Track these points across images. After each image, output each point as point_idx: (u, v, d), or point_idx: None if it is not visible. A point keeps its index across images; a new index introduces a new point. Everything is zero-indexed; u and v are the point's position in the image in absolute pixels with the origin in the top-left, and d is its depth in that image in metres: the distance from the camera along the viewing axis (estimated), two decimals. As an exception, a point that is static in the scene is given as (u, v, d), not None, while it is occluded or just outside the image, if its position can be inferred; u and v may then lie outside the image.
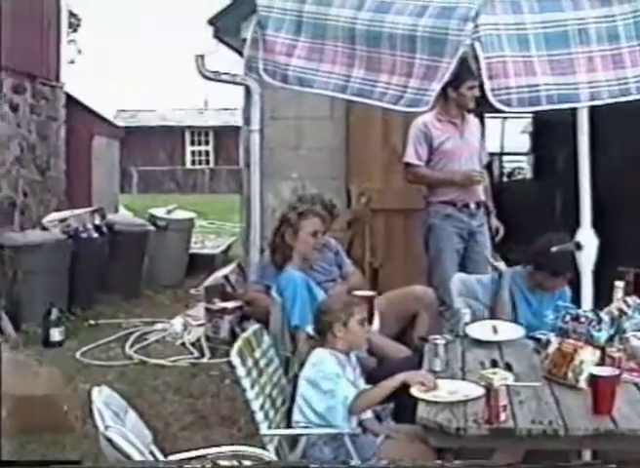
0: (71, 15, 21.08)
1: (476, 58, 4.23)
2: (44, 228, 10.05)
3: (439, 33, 4.14)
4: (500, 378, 4.02)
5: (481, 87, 6.35)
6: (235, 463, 2.90)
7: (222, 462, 2.91)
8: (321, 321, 4.75)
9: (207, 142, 40.90)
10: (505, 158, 15.26)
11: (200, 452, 4.02)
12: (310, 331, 5.05)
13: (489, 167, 7.46)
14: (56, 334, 8.56)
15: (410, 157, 6.87)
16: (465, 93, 6.67)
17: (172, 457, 3.89)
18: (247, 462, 3.88)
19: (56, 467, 3.22)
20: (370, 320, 5.18)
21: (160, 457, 3.53)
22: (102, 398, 3.56)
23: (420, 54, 4.21)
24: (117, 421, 3.46)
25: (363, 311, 4.80)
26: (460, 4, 4.15)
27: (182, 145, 40.74)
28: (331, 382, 4.49)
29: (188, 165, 40.45)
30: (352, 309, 4.75)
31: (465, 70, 5.79)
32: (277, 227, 6.19)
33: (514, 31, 4.15)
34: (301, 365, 4.80)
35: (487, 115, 7.30)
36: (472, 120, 7.05)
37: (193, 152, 40.86)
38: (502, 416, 3.88)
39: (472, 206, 6.90)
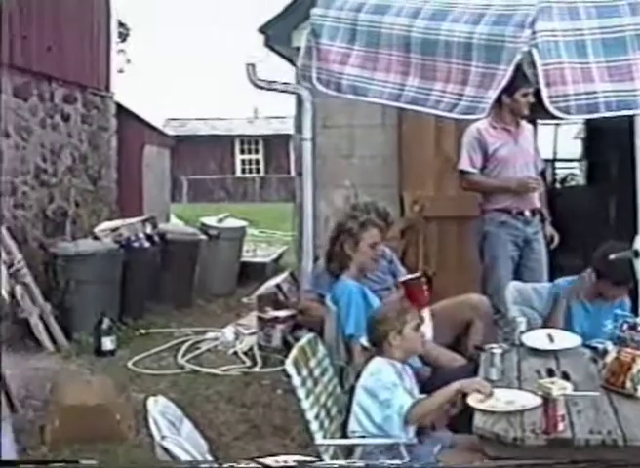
0: (120, 25, 21.25)
1: (532, 64, 4.20)
2: (96, 238, 10.09)
3: (496, 40, 4.11)
4: (559, 388, 3.97)
5: (534, 93, 6.36)
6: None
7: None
8: (376, 330, 4.73)
9: (257, 151, 41.03)
10: (558, 164, 15.12)
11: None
12: (364, 343, 5.03)
13: (543, 173, 7.40)
14: (107, 344, 8.59)
15: (464, 164, 6.85)
16: (520, 99, 6.63)
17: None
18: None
19: (55, 466, 3.20)
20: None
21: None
22: (158, 408, 3.57)
23: (477, 61, 4.18)
24: (173, 431, 3.46)
25: (416, 316, 4.78)
26: (516, 11, 4.11)
27: (232, 154, 40.91)
28: (388, 392, 4.47)
29: (238, 173, 40.60)
30: (406, 316, 4.73)
31: (520, 77, 5.75)
32: (335, 236, 6.13)
33: (572, 37, 4.10)
34: (357, 375, 4.77)
35: (539, 121, 7.22)
36: (526, 126, 7.00)
37: (243, 161, 41.01)
38: (560, 426, 3.84)
39: (527, 213, 6.86)
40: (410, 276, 5.93)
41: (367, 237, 5.98)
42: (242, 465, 2.42)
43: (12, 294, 8.75)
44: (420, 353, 4.93)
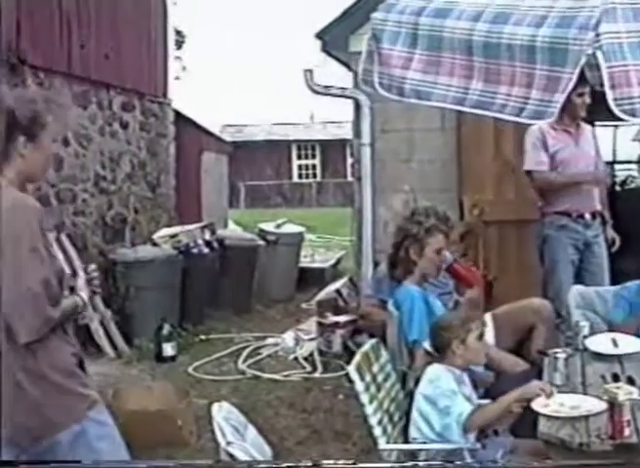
0: (176, 32, 21.43)
1: (592, 66, 4.17)
2: (155, 244, 10.16)
3: (559, 43, 4.08)
4: (625, 393, 3.91)
5: (591, 95, 6.31)
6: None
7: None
8: (440, 337, 4.72)
9: (314, 156, 41.14)
10: (617, 166, 14.96)
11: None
12: (428, 347, 5.01)
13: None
14: (168, 349, 8.63)
15: (532, 164, 6.79)
16: (575, 100, 6.55)
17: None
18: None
19: (55, 467, 3.17)
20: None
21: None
22: (223, 413, 3.59)
23: (541, 64, 4.15)
24: (237, 437, 3.48)
25: (480, 326, 4.77)
26: (580, 13, 4.08)
27: (289, 159, 41.05)
28: (447, 399, 4.46)
29: (295, 179, 40.75)
30: (470, 326, 4.71)
31: (584, 79, 5.72)
32: (400, 241, 6.09)
33: (636, 39, 4.05)
34: (417, 380, 4.76)
35: (598, 123, 7.16)
36: (587, 128, 6.95)
37: (300, 166, 41.14)
38: (627, 432, 3.79)
39: (587, 216, 6.80)
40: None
41: (433, 243, 5.93)
42: (302, 464, 2.41)
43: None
44: (480, 363, 4.88)
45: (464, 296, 6.25)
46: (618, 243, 7.10)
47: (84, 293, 3.59)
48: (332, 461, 2.23)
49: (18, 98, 3.44)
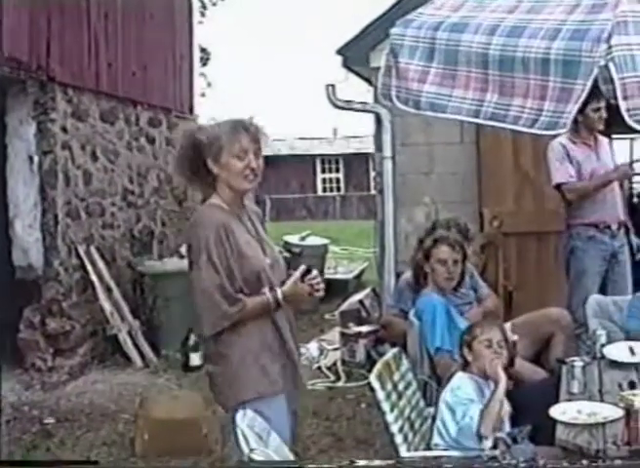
0: (201, 50, 21.57)
1: (607, 79, 4.23)
2: (182, 256, 10.20)
3: (573, 55, 4.15)
4: (641, 400, 3.97)
5: (607, 108, 6.36)
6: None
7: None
8: (460, 345, 4.80)
9: (337, 170, 41.23)
10: (635, 179, 14.94)
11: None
12: (455, 356, 5.06)
13: (621, 186, 7.37)
14: (195, 359, 8.68)
15: (561, 177, 6.78)
16: (591, 115, 6.61)
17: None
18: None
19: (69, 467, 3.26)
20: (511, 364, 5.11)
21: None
22: (246, 421, 3.63)
23: (554, 76, 4.22)
24: (261, 444, 3.50)
25: (490, 332, 4.79)
26: (592, 25, 4.15)
27: (314, 173, 41.15)
28: (464, 407, 4.51)
29: (319, 192, 40.82)
30: (475, 332, 4.78)
31: (590, 92, 5.76)
32: (415, 254, 6.22)
33: (648, 51, 4.12)
34: (440, 388, 4.82)
35: (615, 136, 7.20)
36: (604, 141, 6.98)
37: (324, 180, 41.25)
38: (643, 438, 3.84)
39: (614, 226, 6.83)
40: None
41: (435, 253, 5.99)
42: (325, 465, 2.49)
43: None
44: (489, 371, 4.73)
45: (483, 307, 6.30)
46: None
47: (281, 291, 4.06)
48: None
49: (203, 129, 4.11)
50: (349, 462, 2.44)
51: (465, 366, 4.76)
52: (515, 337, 5.30)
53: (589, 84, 4.17)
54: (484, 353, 4.70)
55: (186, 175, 4.14)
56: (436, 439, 4.64)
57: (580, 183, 6.79)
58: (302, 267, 4.18)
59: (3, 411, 6.95)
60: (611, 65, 4.08)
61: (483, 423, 4.42)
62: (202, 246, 3.91)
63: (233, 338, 4.00)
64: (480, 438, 4.44)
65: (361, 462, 2.46)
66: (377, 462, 2.48)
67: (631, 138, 10.65)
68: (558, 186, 6.87)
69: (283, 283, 4.12)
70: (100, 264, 9.21)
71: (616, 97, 4.15)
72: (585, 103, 6.22)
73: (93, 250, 9.21)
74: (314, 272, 4.22)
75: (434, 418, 4.76)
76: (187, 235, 4.12)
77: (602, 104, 6.37)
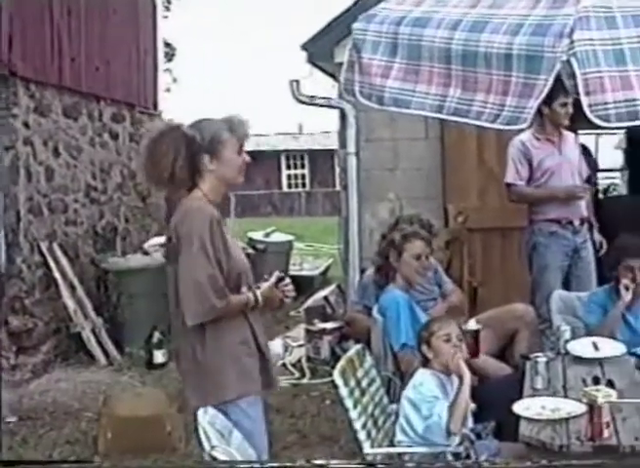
0: (166, 45, 21.46)
1: (572, 75, 4.24)
2: (145, 253, 10.17)
3: (535, 50, 4.15)
4: (604, 395, 3.96)
5: (574, 104, 6.37)
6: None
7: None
8: (418, 342, 4.79)
9: (302, 166, 41.21)
10: (600, 175, 15.04)
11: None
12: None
13: (589, 181, 7.39)
14: (159, 356, 8.67)
15: (511, 177, 6.83)
16: (558, 110, 6.62)
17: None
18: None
19: (65, 466, 3.24)
20: (476, 353, 5.13)
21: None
22: (208, 418, 3.61)
23: (517, 72, 4.22)
24: (222, 441, 3.50)
25: (448, 327, 4.79)
26: (555, 21, 4.16)
27: (278, 169, 41.08)
28: (429, 404, 4.51)
29: (285, 188, 40.78)
30: (432, 328, 4.77)
31: (558, 87, 5.78)
32: (381, 250, 6.16)
33: (610, 46, 4.13)
34: (403, 385, 4.81)
35: (580, 132, 7.21)
36: (570, 136, 6.99)
37: (289, 176, 41.21)
38: (606, 433, 3.85)
39: (576, 222, 6.84)
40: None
41: (410, 248, 5.98)
42: (288, 464, 2.47)
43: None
44: (452, 366, 4.73)
45: (448, 302, 6.30)
46: (605, 246, 7.16)
47: (259, 293, 4.08)
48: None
49: (194, 126, 4.09)
50: (306, 461, 2.42)
51: (426, 362, 4.74)
52: (479, 326, 5.31)
53: (551, 79, 4.17)
54: (444, 348, 4.69)
55: (163, 174, 4.05)
56: (399, 436, 4.63)
57: (527, 189, 6.84)
58: (277, 273, 4.24)
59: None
60: (573, 61, 4.10)
61: (452, 420, 4.43)
62: (195, 236, 3.91)
63: (213, 335, 3.99)
64: (449, 434, 4.44)
65: (320, 461, 2.43)
66: (335, 462, 2.45)
67: (597, 134, 10.71)
68: (508, 185, 6.91)
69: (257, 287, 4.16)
70: (64, 261, 9.13)
71: (578, 93, 4.16)
72: (553, 98, 6.29)
73: (55, 246, 9.13)
74: (287, 279, 4.26)
75: (397, 414, 4.74)
76: (176, 226, 4.02)
77: (569, 100, 6.38)
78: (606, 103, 4.10)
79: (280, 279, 4.20)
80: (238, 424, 3.91)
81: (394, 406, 4.96)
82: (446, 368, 4.69)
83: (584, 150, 7.39)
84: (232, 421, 3.89)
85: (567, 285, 6.73)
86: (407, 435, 4.58)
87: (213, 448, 3.35)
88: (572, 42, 4.08)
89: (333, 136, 27.69)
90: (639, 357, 4.97)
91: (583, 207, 6.91)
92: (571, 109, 6.55)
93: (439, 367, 4.69)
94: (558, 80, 5.13)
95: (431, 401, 4.52)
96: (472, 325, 5.36)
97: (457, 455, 4.46)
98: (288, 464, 2.72)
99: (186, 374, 4.13)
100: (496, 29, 4.31)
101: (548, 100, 6.38)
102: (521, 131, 6.46)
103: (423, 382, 4.62)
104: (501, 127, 4.39)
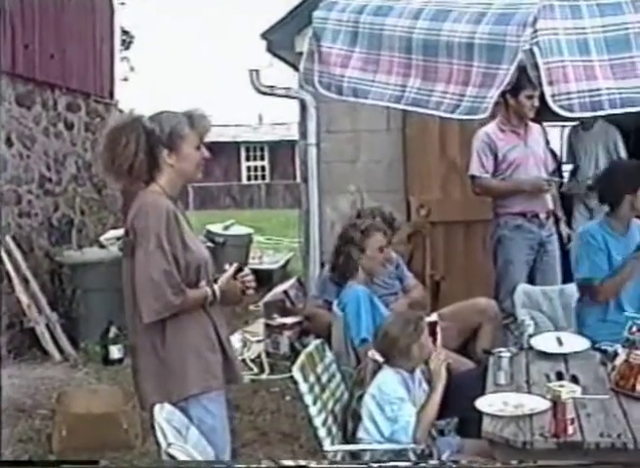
0: (124, 32, 21.27)
1: (536, 66, 4.18)
2: (102, 246, 10.06)
3: (497, 39, 4.11)
4: (568, 391, 3.93)
5: (540, 97, 6.33)
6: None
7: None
8: (394, 344, 4.62)
9: (262, 157, 41.18)
10: (565, 167, 15.10)
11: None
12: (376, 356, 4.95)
13: (555, 173, 7.36)
14: (115, 352, 8.56)
15: (475, 170, 6.80)
16: (524, 101, 6.58)
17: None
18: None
19: (66, 466, 3.19)
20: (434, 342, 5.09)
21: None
22: (164, 415, 3.55)
23: (478, 61, 4.18)
24: (179, 438, 3.44)
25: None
26: (518, 10, 4.12)
27: (238, 161, 40.98)
28: (395, 406, 4.46)
29: (244, 180, 40.71)
30: (422, 325, 4.71)
31: (524, 79, 5.73)
32: (339, 246, 6.03)
33: (574, 36, 4.10)
34: (362, 380, 4.73)
35: (545, 124, 7.19)
36: (536, 128, 6.96)
37: (249, 167, 41.17)
38: (570, 430, 3.82)
39: (542, 216, 6.82)
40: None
41: (372, 243, 5.90)
42: (254, 465, 2.41)
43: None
44: (433, 366, 4.68)
45: (409, 297, 6.24)
46: (572, 239, 7.16)
47: (217, 287, 4.05)
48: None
49: (154, 118, 4.02)
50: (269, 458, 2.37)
51: (394, 361, 4.65)
52: (436, 318, 5.26)
53: (513, 68, 4.14)
54: (427, 342, 4.68)
55: (122, 166, 3.99)
56: (362, 433, 4.55)
57: (492, 182, 6.82)
58: (235, 265, 4.21)
59: None
60: (536, 50, 4.07)
61: (419, 428, 4.40)
62: (151, 231, 3.88)
63: (173, 330, 3.96)
64: (415, 442, 4.40)
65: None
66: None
67: (562, 126, 10.72)
68: (472, 177, 6.88)
69: (215, 280, 4.13)
70: (17, 254, 8.99)
71: (542, 84, 4.11)
72: (519, 90, 6.26)
73: (9, 239, 8.98)
74: (246, 270, 4.25)
75: (355, 411, 4.66)
76: (132, 220, 3.97)
77: (536, 93, 6.32)
78: (569, 93, 4.06)
79: (239, 270, 4.17)
80: (200, 420, 3.90)
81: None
82: (421, 362, 4.64)
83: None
84: (194, 418, 3.87)
85: (531, 279, 6.72)
86: (369, 433, 4.52)
87: (169, 445, 3.29)
88: (535, 31, 4.05)
89: (293, 127, 27.69)
90: (603, 352, 4.91)
91: (549, 200, 6.89)
92: (537, 102, 6.50)
93: (417, 363, 4.64)
94: (524, 72, 5.10)
95: (396, 402, 4.46)
96: (432, 317, 5.30)
97: (420, 454, 4.40)
98: (253, 466, 2.68)
99: (145, 371, 4.06)
100: (458, 18, 4.27)
101: (515, 92, 6.35)
102: (485, 123, 6.43)
103: (389, 382, 4.56)
104: (461, 117, 4.36)
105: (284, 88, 8.64)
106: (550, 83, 4.03)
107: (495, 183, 6.79)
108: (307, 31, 5.14)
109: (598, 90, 4.04)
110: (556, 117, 4.31)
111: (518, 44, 4.04)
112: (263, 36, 8.42)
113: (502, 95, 6.32)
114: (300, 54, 5.18)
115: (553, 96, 4.04)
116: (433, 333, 5.07)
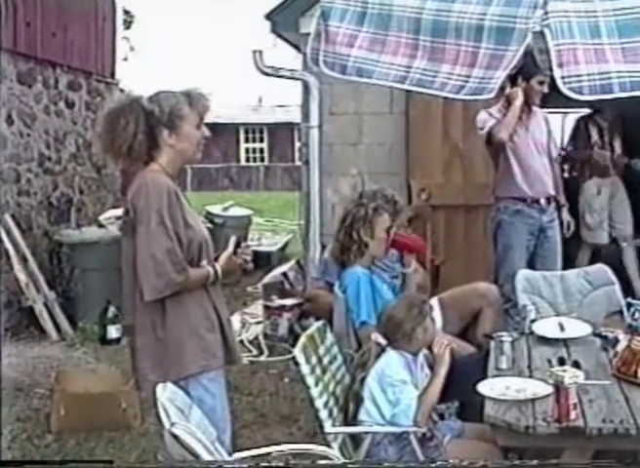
0: (125, 12, 21.16)
1: (544, 50, 4.16)
2: (100, 226, 10.05)
3: (507, 21, 4.08)
4: (571, 376, 3.91)
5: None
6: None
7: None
8: (399, 327, 4.60)
9: (261, 139, 41.08)
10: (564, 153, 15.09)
11: (264, 450, 4.03)
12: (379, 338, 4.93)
13: (561, 159, 7.33)
14: (113, 332, 8.54)
15: (483, 122, 6.69)
16: (535, 86, 6.53)
17: (235, 455, 3.85)
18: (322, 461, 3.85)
19: (70, 466, 3.15)
20: None
21: (224, 455, 3.48)
22: (167, 394, 3.52)
23: (487, 43, 4.15)
24: (182, 418, 3.42)
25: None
26: (529, -9, 4.07)
27: (237, 143, 40.90)
28: (397, 389, 4.44)
29: (243, 162, 40.63)
30: (426, 308, 4.71)
31: (536, 64, 5.69)
32: (349, 224, 5.93)
33: (585, 19, 4.07)
34: (364, 362, 4.71)
35: (546, 111, 7.15)
36: (539, 113, 6.90)
37: (247, 149, 41.08)
38: (573, 415, 3.81)
39: (542, 201, 6.80)
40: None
41: (381, 222, 5.85)
42: (236, 466, 2.38)
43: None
44: (437, 351, 4.64)
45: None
46: (573, 227, 7.14)
47: (219, 265, 4.05)
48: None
49: (153, 99, 4.01)
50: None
51: (397, 344, 4.63)
52: (433, 302, 5.26)
53: (522, 50, 4.13)
54: (432, 326, 4.67)
55: (122, 147, 3.97)
56: (363, 416, 4.54)
57: (497, 126, 6.60)
58: (233, 238, 4.22)
59: None
60: (546, 32, 4.03)
61: (420, 411, 4.37)
62: (152, 209, 3.86)
63: (173, 309, 3.96)
64: (416, 424, 4.37)
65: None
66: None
67: (564, 113, 10.69)
68: (488, 139, 6.72)
69: (216, 258, 4.13)
70: (16, 233, 8.96)
71: (551, 68, 4.08)
72: (532, 74, 6.21)
73: (7, 217, 8.95)
74: (244, 244, 4.30)
75: (357, 393, 4.64)
76: (132, 199, 3.94)
77: (547, 79, 6.27)
78: (579, 75, 4.03)
79: (237, 244, 4.19)
80: (200, 400, 3.88)
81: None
82: (425, 346, 4.62)
83: None
84: (194, 397, 3.84)
85: (532, 264, 6.69)
86: (370, 416, 4.51)
87: (172, 424, 3.25)
88: (546, 13, 4.01)
89: (293, 109, 27.65)
90: (604, 338, 4.90)
91: (550, 185, 6.85)
92: (546, 89, 6.45)
93: (421, 346, 4.62)
94: (534, 58, 5.06)
95: (399, 385, 4.44)
96: (430, 302, 5.30)
97: (422, 437, 4.40)
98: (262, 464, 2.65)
99: (143, 350, 4.04)
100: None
101: (527, 75, 6.30)
102: (488, 106, 6.39)
103: (392, 365, 4.53)
104: (466, 97, 4.35)
105: (288, 69, 8.59)
106: (560, 65, 4.01)
107: (498, 122, 6.61)
108: (312, 12, 5.11)
109: (608, 73, 4.01)
110: (558, 104, 4.29)
111: (527, 26, 4.02)
112: (268, 17, 8.37)
113: (513, 79, 6.29)
114: (305, 35, 5.15)
115: (563, 78, 4.01)
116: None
